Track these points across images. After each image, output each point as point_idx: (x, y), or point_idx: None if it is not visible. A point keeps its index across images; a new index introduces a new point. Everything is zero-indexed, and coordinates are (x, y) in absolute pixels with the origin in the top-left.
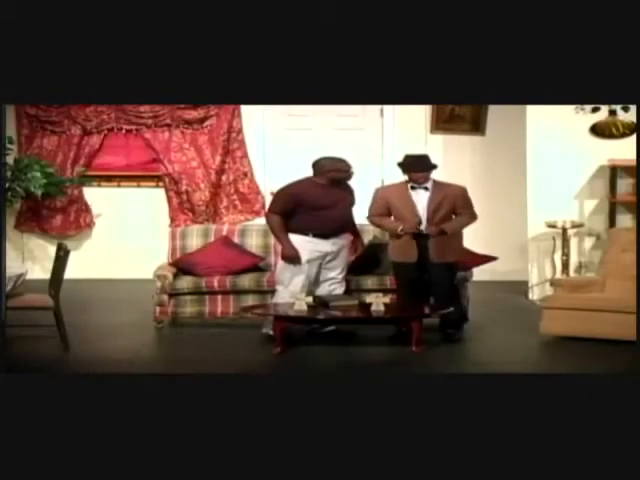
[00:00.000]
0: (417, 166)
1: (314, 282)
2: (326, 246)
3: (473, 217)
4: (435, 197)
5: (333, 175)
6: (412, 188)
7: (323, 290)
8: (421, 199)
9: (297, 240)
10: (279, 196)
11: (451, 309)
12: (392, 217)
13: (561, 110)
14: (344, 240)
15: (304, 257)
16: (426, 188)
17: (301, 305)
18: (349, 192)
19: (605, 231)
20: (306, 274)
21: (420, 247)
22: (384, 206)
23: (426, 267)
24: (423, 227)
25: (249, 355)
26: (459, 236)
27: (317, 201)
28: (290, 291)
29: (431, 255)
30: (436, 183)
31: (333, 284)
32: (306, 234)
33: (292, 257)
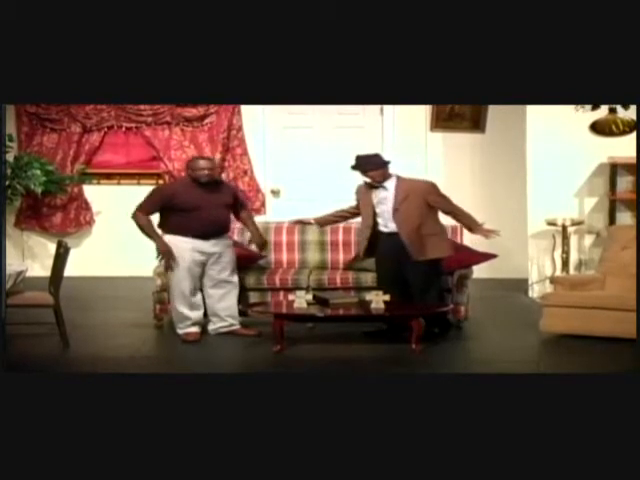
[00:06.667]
0: (370, 165)
1: (200, 284)
2: (207, 247)
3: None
4: (399, 194)
5: (195, 175)
6: (371, 187)
7: (217, 294)
8: (382, 198)
9: (177, 242)
10: (151, 196)
11: (451, 306)
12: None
13: (561, 108)
14: (227, 240)
15: (187, 259)
16: (385, 187)
17: (301, 303)
18: (224, 192)
19: (605, 229)
20: (191, 276)
21: (394, 246)
22: (357, 202)
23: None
24: (393, 225)
25: (249, 354)
26: (438, 232)
27: (187, 202)
28: (180, 294)
29: (410, 253)
30: (400, 180)
31: (227, 286)
32: (185, 235)
33: (167, 253)
